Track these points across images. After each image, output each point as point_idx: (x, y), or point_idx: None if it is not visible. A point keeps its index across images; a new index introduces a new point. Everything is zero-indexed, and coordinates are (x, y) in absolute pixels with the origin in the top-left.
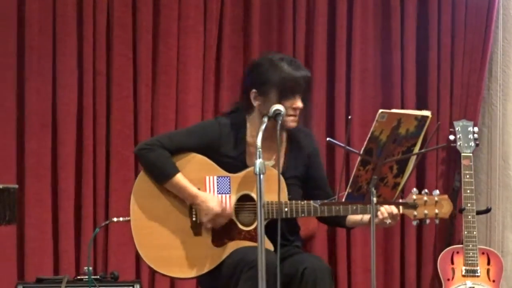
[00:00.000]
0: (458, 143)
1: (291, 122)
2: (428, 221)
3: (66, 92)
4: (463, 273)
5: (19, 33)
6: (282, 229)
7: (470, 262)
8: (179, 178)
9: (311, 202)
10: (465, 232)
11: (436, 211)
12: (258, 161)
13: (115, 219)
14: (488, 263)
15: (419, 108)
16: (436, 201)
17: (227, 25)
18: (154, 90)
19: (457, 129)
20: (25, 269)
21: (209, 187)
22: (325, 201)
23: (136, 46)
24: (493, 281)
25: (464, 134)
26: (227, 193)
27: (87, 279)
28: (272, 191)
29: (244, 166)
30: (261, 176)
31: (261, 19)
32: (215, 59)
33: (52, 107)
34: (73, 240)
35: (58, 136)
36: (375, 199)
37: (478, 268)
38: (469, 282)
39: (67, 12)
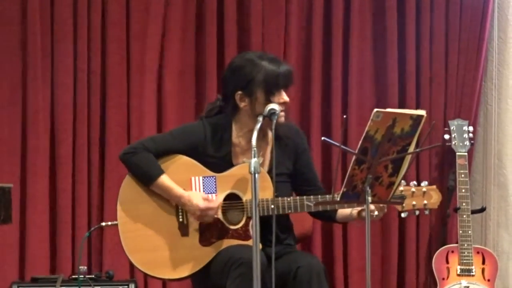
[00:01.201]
0: (453, 142)
1: (281, 117)
2: (417, 212)
3: (65, 92)
4: (458, 273)
5: (21, 34)
6: (272, 227)
7: (465, 261)
8: (164, 179)
9: (298, 198)
10: (460, 232)
11: (425, 201)
12: (253, 160)
13: (103, 224)
14: (483, 262)
15: (415, 107)
16: (424, 192)
17: (223, 23)
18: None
19: (452, 128)
20: (22, 269)
21: (195, 187)
22: (320, 200)
23: (130, 45)
24: (488, 280)
25: (459, 133)
26: (213, 192)
27: (82, 279)
28: (259, 188)
29: (230, 166)
30: (257, 175)
31: (257, 18)
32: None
33: (51, 107)
34: (69, 240)
35: (57, 136)
36: (370, 198)
37: (473, 267)
38: (464, 281)
39: (63, 12)
